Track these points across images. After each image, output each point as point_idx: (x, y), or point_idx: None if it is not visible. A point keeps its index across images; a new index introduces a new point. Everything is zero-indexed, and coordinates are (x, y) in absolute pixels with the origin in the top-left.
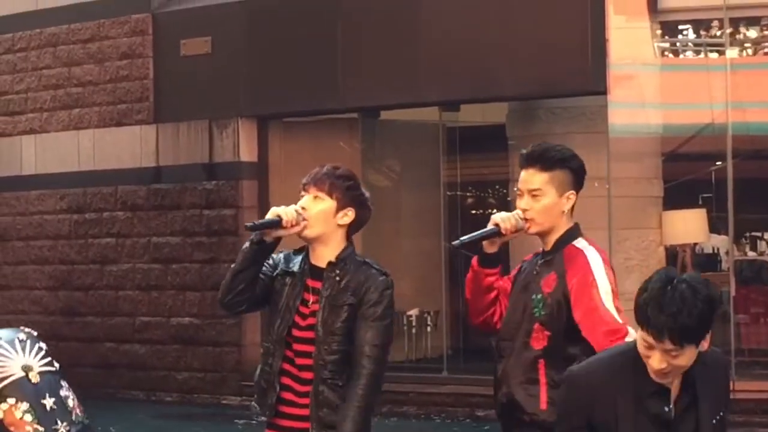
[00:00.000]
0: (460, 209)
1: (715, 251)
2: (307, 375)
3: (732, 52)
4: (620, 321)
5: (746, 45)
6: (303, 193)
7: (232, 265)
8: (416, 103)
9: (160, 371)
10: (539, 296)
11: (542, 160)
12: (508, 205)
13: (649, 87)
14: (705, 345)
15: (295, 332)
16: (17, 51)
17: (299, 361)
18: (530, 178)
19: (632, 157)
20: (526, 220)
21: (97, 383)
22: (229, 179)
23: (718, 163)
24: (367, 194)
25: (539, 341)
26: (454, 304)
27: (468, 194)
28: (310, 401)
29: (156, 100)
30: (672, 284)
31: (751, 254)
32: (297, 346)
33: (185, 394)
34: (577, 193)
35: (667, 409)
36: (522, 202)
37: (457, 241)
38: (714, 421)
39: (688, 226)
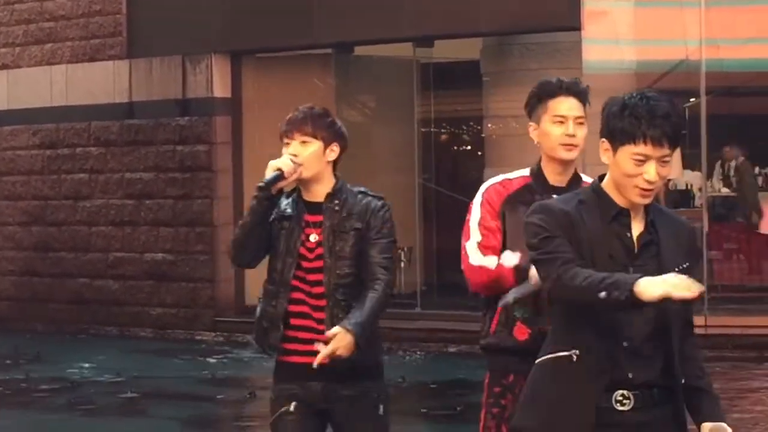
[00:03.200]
0: (434, 145)
1: (689, 187)
2: (322, 303)
3: None
4: None
5: None
6: (286, 140)
7: (241, 224)
8: (390, 39)
9: (134, 307)
10: None
11: (582, 95)
12: (481, 142)
13: (623, 23)
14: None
15: (305, 266)
16: None
17: (315, 290)
18: (578, 106)
19: (606, 93)
20: (572, 145)
21: (71, 319)
22: (203, 115)
23: (691, 99)
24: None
25: None
26: (427, 240)
27: (442, 130)
28: (324, 325)
29: (129, 35)
30: (643, 96)
31: (725, 191)
32: (311, 277)
33: (159, 329)
34: None
35: (628, 234)
36: (570, 127)
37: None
38: (677, 269)
39: None
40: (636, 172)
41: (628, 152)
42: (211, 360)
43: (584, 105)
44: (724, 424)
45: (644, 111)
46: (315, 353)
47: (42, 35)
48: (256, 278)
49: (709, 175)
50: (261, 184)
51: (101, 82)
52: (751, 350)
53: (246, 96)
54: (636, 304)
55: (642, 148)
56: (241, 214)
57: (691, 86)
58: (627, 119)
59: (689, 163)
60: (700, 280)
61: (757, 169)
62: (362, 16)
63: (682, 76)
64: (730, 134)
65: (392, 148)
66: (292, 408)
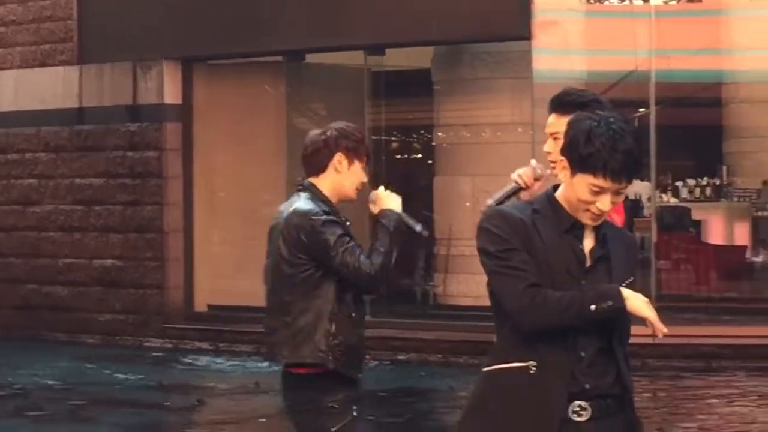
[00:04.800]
0: (385, 154)
1: (637, 197)
2: None
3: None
4: None
5: None
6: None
7: (388, 253)
8: (341, 47)
9: (83, 313)
10: None
11: (561, 103)
12: (432, 150)
13: (574, 33)
14: None
15: None
16: None
17: None
18: (552, 122)
19: None
20: (551, 162)
21: (19, 325)
22: (153, 121)
23: (641, 109)
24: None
25: None
26: None
27: (393, 139)
28: None
29: (80, 40)
30: (609, 127)
31: (673, 201)
32: None
33: (107, 336)
34: None
35: (581, 247)
36: (546, 145)
37: (486, 206)
38: (624, 284)
39: None
40: (590, 200)
41: (586, 181)
42: (160, 367)
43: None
44: None
45: (608, 145)
46: None
47: None
48: (204, 285)
49: (658, 185)
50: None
51: (51, 87)
52: (698, 360)
53: (197, 102)
54: (622, 310)
55: (600, 181)
56: (190, 221)
57: (640, 97)
58: (589, 149)
59: (638, 174)
60: (641, 291)
61: (705, 179)
62: (313, 23)
63: (632, 86)
64: (679, 145)
65: None
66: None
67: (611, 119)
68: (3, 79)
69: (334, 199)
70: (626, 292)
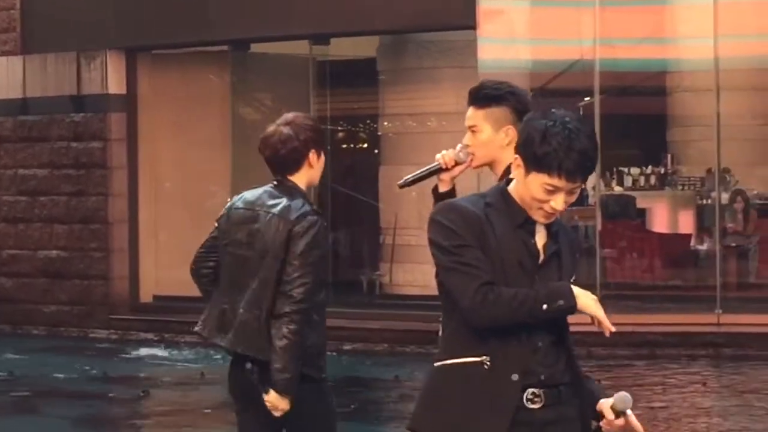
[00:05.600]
0: (330, 144)
1: (583, 186)
2: None
3: None
4: None
5: None
6: None
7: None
8: (286, 37)
9: (27, 305)
10: None
11: (477, 97)
12: (377, 139)
13: (519, 22)
14: None
15: None
16: None
17: None
18: (470, 115)
19: None
20: (470, 154)
21: None
22: (98, 111)
23: (586, 98)
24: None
25: None
26: None
27: (338, 128)
28: None
29: (23, 30)
30: (565, 126)
31: (618, 189)
32: None
33: (53, 327)
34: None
35: (533, 240)
36: (465, 138)
37: (401, 181)
38: (571, 280)
39: None
40: (544, 198)
41: (540, 180)
42: (105, 358)
43: (489, 107)
44: (624, 393)
45: (564, 144)
46: None
47: None
48: (150, 276)
49: (603, 174)
50: None
51: None
52: (642, 348)
53: (141, 92)
54: (573, 309)
55: (555, 181)
56: (135, 212)
57: (585, 86)
58: (544, 149)
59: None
60: (586, 280)
61: (650, 168)
62: (258, 13)
63: (576, 75)
64: (624, 134)
65: None
66: None
67: (567, 119)
68: None
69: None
70: (576, 290)
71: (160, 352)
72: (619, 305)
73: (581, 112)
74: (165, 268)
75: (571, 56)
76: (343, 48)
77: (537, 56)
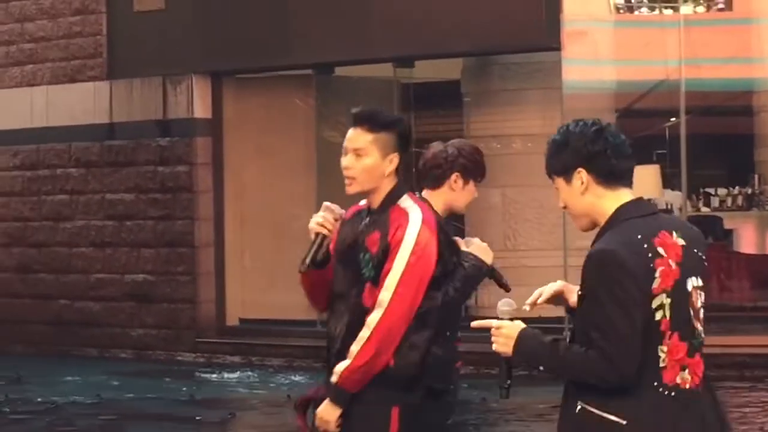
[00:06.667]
0: (414, 166)
1: (669, 207)
2: None
3: (686, 8)
4: (389, 293)
5: (700, 1)
6: None
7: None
8: (369, 60)
9: (115, 328)
10: (367, 256)
11: (370, 121)
12: None
13: (603, 43)
14: None
15: None
16: None
17: None
18: (356, 137)
19: (586, 113)
20: (348, 178)
21: (51, 341)
22: (183, 136)
23: (671, 119)
24: None
25: (370, 299)
26: None
27: (423, 150)
28: None
29: (109, 56)
30: (607, 130)
31: (705, 210)
32: None
33: (139, 350)
34: (401, 156)
35: None
36: (345, 160)
37: (302, 267)
38: None
39: (642, 182)
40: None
41: (595, 185)
42: (192, 381)
43: (379, 132)
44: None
45: (615, 151)
46: None
47: (22, 57)
48: (236, 299)
49: (690, 195)
50: None
51: (81, 103)
52: (730, 369)
53: (226, 116)
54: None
55: (607, 183)
56: (221, 235)
57: (671, 106)
58: (600, 152)
59: (669, 183)
60: None
61: (737, 188)
62: (342, 36)
63: (662, 95)
64: (710, 154)
65: None
66: None
67: (602, 122)
68: (34, 96)
69: (443, 214)
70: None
71: (246, 374)
72: (706, 327)
73: (667, 133)
74: (251, 292)
75: (656, 77)
76: (427, 70)
77: (622, 77)
